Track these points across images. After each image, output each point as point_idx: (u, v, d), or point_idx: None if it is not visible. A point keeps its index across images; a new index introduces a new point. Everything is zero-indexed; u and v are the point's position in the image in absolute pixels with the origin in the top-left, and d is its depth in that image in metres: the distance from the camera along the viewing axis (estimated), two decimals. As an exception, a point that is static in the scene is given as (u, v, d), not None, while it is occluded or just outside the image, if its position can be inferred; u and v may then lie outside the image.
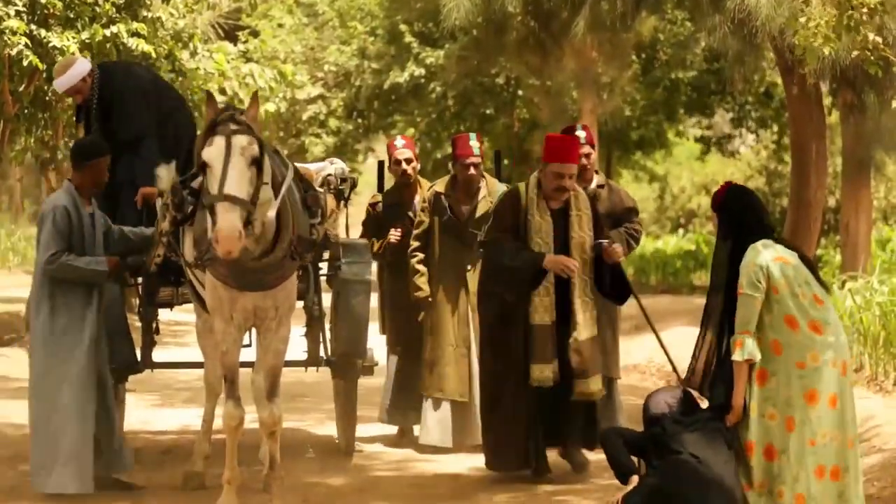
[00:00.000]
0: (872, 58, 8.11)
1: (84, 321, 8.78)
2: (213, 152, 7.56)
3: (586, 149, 10.18)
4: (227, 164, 7.49)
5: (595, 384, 9.19)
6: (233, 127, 7.62)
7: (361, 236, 10.59)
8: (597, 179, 10.33)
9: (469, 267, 10.20)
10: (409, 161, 10.67)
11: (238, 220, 7.36)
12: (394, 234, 10.48)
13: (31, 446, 8.86)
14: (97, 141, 9.20)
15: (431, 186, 10.50)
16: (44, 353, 8.75)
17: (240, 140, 7.58)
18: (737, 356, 7.36)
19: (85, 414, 8.74)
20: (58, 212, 8.69)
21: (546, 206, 8.94)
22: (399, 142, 10.81)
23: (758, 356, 7.37)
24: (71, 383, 8.71)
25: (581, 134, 10.20)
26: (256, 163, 7.60)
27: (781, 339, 7.39)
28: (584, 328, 9.04)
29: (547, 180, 8.86)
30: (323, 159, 11.52)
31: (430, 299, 10.25)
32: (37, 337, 8.80)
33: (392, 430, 10.86)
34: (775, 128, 28.41)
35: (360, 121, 28.36)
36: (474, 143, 10.31)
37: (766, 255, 7.39)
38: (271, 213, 7.83)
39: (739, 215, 7.54)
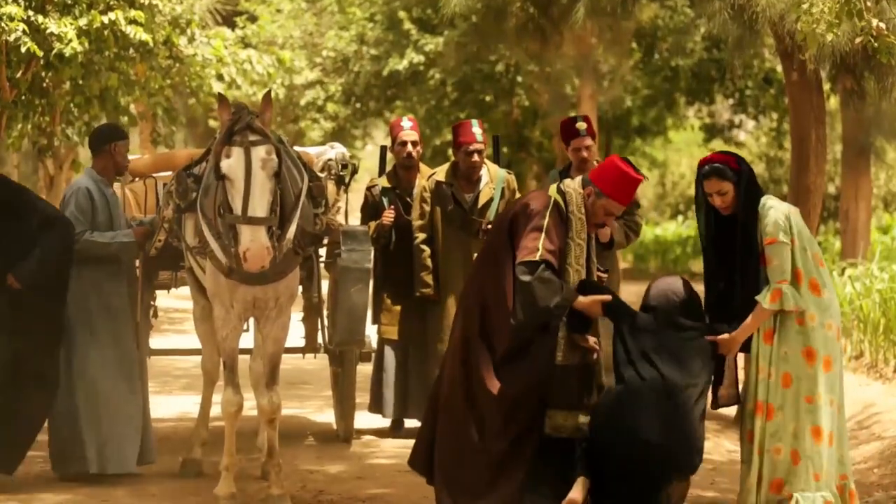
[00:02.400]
0: (877, 45, 8.05)
1: (112, 307, 8.95)
2: (233, 165, 7.61)
3: (587, 140, 10.13)
4: (248, 180, 7.57)
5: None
6: (251, 138, 7.65)
7: (361, 222, 10.49)
8: None
9: (475, 255, 10.09)
10: (414, 144, 10.53)
11: (265, 238, 7.53)
12: (387, 216, 10.35)
13: (50, 431, 9.00)
14: (113, 125, 9.31)
15: (431, 175, 10.37)
16: (69, 340, 8.88)
17: (259, 152, 7.63)
18: (774, 305, 7.34)
19: (97, 401, 8.90)
20: (80, 193, 8.84)
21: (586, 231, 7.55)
22: (406, 123, 10.58)
23: (802, 304, 7.39)
24: (92, 369, 8.88)
25: (582, 125, 10.16)
26: (276, 173, 7.65)
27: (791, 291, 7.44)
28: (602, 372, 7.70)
29: (596, 210, 7.48)
30: (322, 144, 11.44)
31: (435, 294, 10.19)
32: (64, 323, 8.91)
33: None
34: (775, 114, 28.39)
35: (357, 106, 28.31)
36: (477, 129, 10.20)
37: (784, 207, 7.47)
38: (289, 235, 7.92)
39: (751, 180, 7.58)
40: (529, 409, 7.36)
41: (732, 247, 7.59)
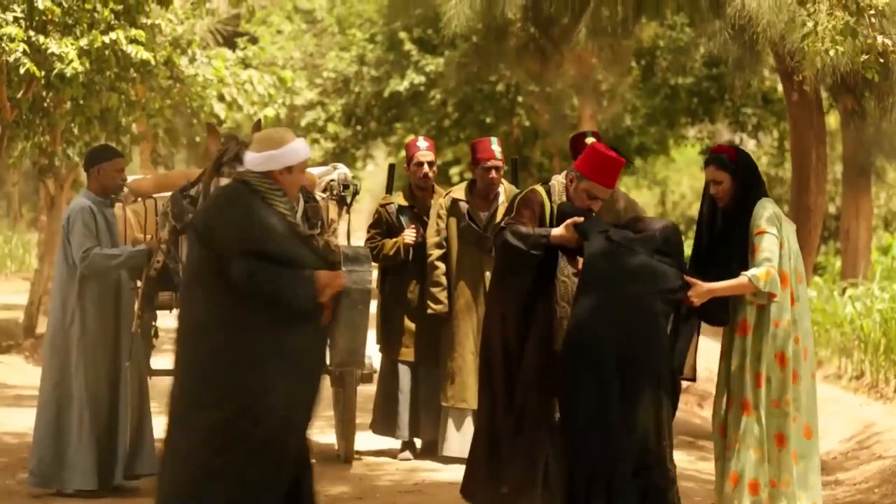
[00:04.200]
0: (882, 60, 8.08)
1: (112, 326, 9.04)
2: None
3: None
4: None
5: None
6: (239, 168, 7.66)
7: (368, 239, 10.43)
8: None
9: (488, 273, 10.04)
10: (430, 164, 10.47)
11: None
12: (409, 234, 10.26)
13: (36, 447, 9.00)
14: (100, 148, 9.37)
15: (448, 192, 10.35)
16: (75, 356, 8.94)
17: None
18: (760, 282, 7.37)
19: (102, 417, 9.00)
20: (84, 212, 8.90)
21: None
22: (422, 143, 10.47)
23: (778, 292, 7.43)
24: (96, 386, 8.97)
25: (591, 140, 10.17)
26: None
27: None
28: None
29: (576, 196, 7.62)
30: (323, 164, 11.44)
31: (447, 311, 10.15)
32: (63, 337, 8.97)
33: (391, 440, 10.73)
34: (775, 133, 28.41)
35: (358, 127, 28.33)
36: (496, 146, 10.16)
37: (778, 211, 7.55)
38: None
39: (752, 176, 7.63)
40: (537, 396, 7.49)
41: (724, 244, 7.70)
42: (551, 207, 7.64)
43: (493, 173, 10.12)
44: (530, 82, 24.70)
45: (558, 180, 7.77)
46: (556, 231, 7.48)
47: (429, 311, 10.18)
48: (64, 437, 8.93)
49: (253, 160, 6.86)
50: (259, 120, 8.30)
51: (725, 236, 7.64)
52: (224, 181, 7.67)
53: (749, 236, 7.53)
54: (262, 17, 27.42)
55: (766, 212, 7.55)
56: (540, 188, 7.70)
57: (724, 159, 7.64)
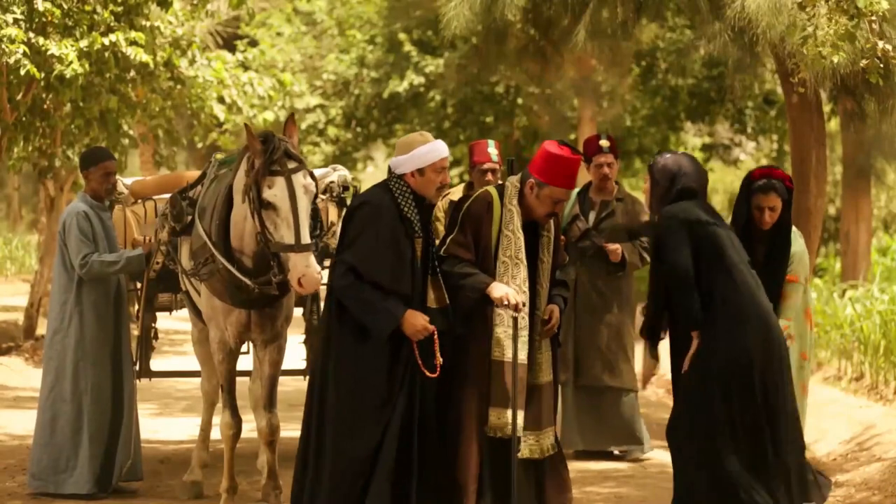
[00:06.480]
0: (882, 65, 8.09)
1: (111, 329, 9.06)
2: (277, 195, 7.67)
3: (609, 157, 10.18)
4: (295, 209, 7.65)
5: (547, 439, 7.59)
6: (290, 165, 7.69)
7: None
8: (615, 191, 10.34)
9: None
10: None
11: (316, 263, 7.66)
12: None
13: (35, 449, 9.03)
14: (92, 151, 9.36)
15: (446, 194, 10.35)
16: (71, 359, 8.97)
17: (300, 179, 7.74)
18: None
19: (100, 420, 8.98)
20: (79, 217, 8.92)
21: (521, 223, 7.55)
22: None
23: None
24: (93, 389, 8.97)
25: (605, 143, 10.19)
26: (315, 196, 7.87)
27: (796, 330, 7.49)
28: (544, 370, 7.64)
29: (540, 202, 7.49)
30: (324, 167, 11.42)
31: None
32: (60, 340, 9.00)
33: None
34: (775, 136, 28.40)
35: (358, 129, 28.31)
36: (492, 149, 10.18)
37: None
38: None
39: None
40: (466, 406, 7.42)
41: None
42: (502, 210, 7.53)
43: (489, 176, 10.13)
44: (530, 84, 24.68)
45: (512, 182, 7.62)
46: (491, 286, 7.36)
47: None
48: (58, 440, 8.94)
49: (394, 163, 7.43)
50: (293, 113, 8.29)
51: (769, 261, 7.42)
52: (279, 179, 7.69)
53: (787, 263, 7.39)
54: (261, 20, 27.39)
55: (802, 251, 7.46)
56: (493, 190, 7.62)
57: (783, 186, 7.37)
